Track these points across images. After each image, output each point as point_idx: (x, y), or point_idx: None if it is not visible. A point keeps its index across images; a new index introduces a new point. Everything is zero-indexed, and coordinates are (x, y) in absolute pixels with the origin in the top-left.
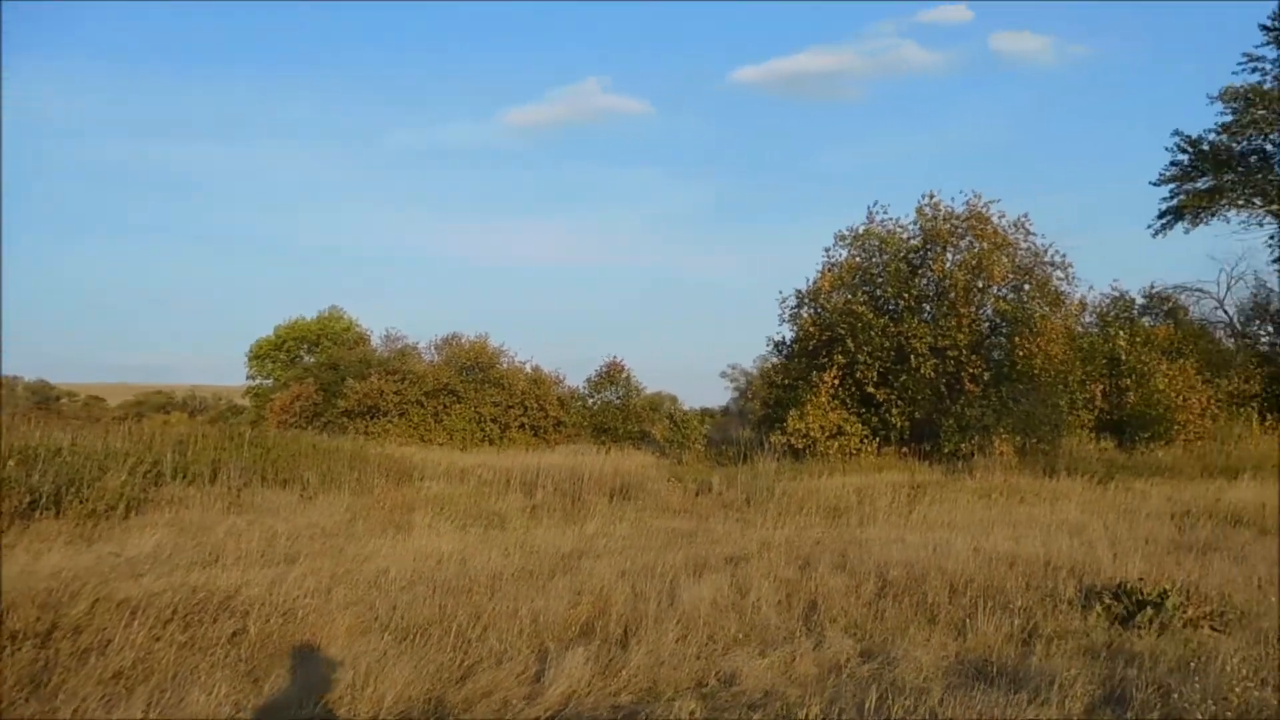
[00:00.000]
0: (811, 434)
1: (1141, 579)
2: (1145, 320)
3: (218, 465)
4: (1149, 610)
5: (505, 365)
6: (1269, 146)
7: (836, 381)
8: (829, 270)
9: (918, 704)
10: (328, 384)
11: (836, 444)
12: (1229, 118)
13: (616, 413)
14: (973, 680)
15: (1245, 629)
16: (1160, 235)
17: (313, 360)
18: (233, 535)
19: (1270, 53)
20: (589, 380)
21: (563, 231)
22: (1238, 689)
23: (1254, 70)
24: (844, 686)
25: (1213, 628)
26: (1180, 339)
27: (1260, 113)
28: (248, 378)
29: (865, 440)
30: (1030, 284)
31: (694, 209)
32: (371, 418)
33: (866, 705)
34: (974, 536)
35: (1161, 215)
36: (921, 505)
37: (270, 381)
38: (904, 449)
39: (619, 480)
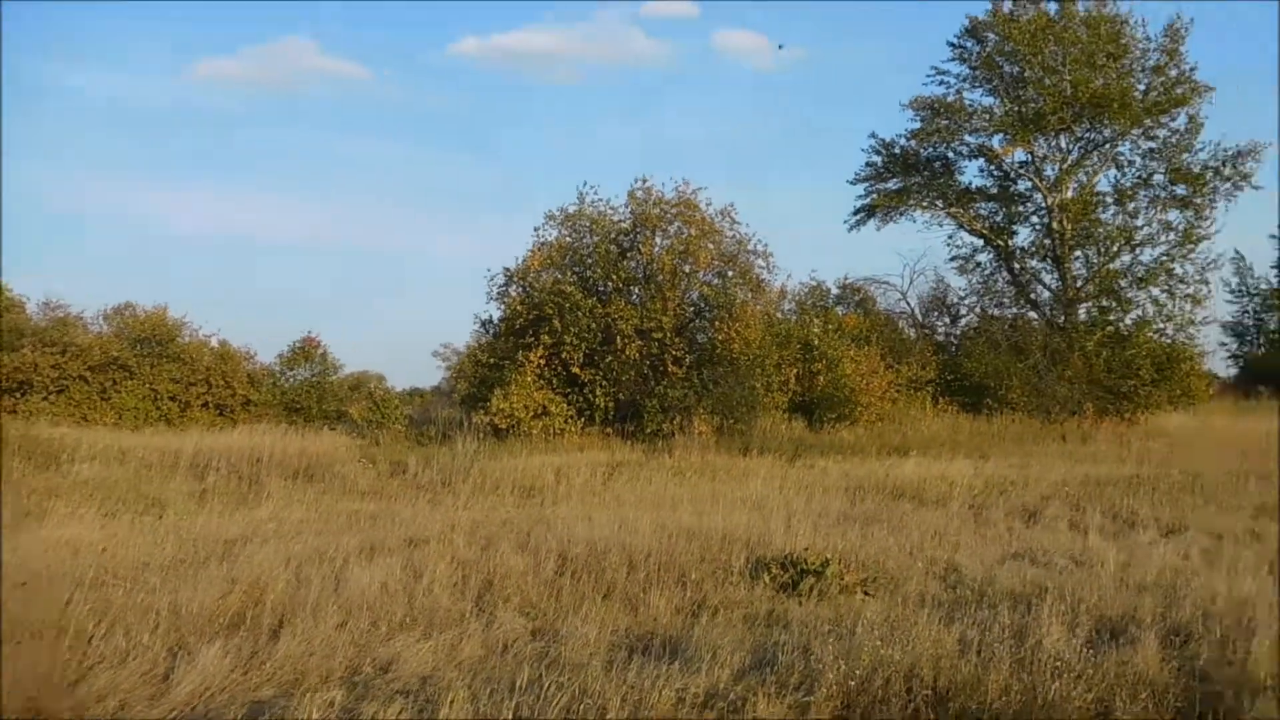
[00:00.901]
0: (516, 414)
1: (807, 549)
2: (838, 309)
3: None
4: (811, 578)
5: (187, 339)
6: (950, 154)
7: (543, 361)
8: (538, 249)
9: (572, 679)
10: None
11: (541, 424)
12: (918, 125)
13: (310, 391)
14: (635, 653)
15: (893, 593)
16: (854, 230)
17: None
18: None
19: (955, 68)
20: (281, 356)
21: (262, 198)
22: (867, 648)
23: (941, 83)
24: (505, 666)
25: (865, 592)
26: (868, 327)
27: (944, 123)
28: None
29: (570, 420)
30: (734, 271)
31: (407, 181)
32: (22, 394)
33: (518, 684)
34: (661, 513)
35: (856, 212)
36: (617, 484)
37: None
38: (608, 429)
39: (304, 461)
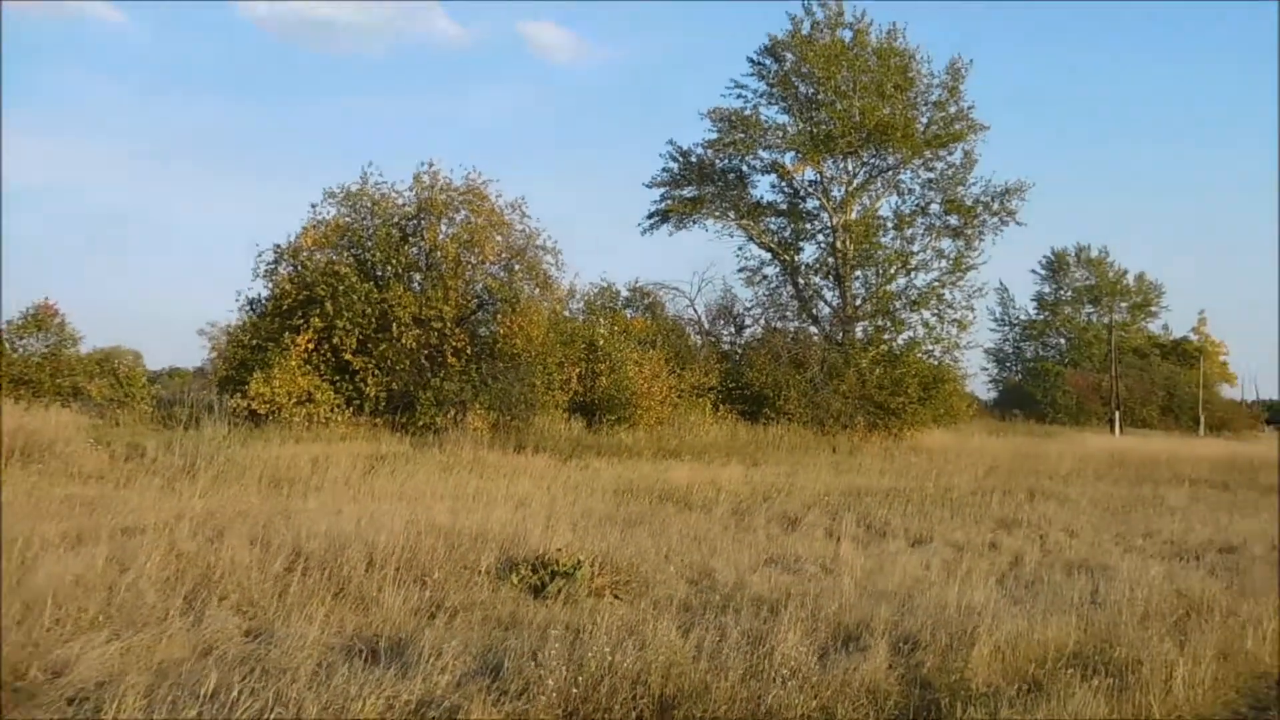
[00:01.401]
0: (277, 399)
1: (559, 551)
2: (627, 312)
3: None
4: (560, 580)
5: None
6: (745, 168)
7: (311, 346)
8: (314, 227)
9: (267, 685)
10: None
11: (304, 411)
12: (715, 135)
13: (43, 364)
14: (355, 657)
15: (642, 597)
16: (648, 234)
17: None
18: None
19: (753, 84)
20: (10, 323)
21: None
22: (594, 653)
23: (739, 96)
24: (202, 670)
25: (615, 595)
26: (654, 331)
27: (740, 136)
28: None
29: (337, 409)
30: (521, 265)
31: (177, 141)
32: None
33: (204, 690)
34: (417, 509)
35: (650, 216)
36: (377, 477)
37: None
38: (378, 420)
39: (22, 439)
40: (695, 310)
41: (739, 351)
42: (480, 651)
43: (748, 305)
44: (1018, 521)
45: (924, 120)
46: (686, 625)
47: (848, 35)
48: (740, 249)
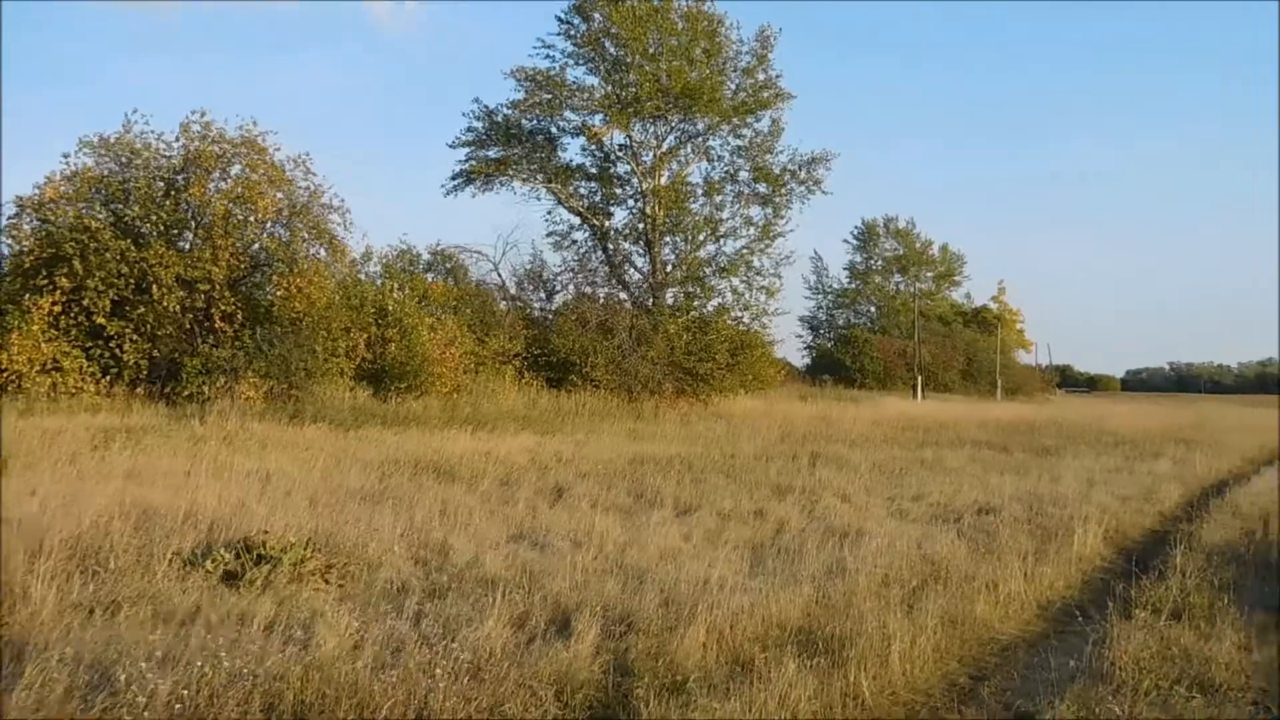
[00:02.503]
0: (16, 367)
1: (267, 532)
2: (428, 276)
3: None
4: (264, 566)
5: None
6: (554, 130)
7: (58, 309)
8: (63, 179)
9: None
10: None
11: (49, 380)
12: (521, 95)
13: None
14: None
15: (360, 581)
16: (452, 196)
17: None
18: None
19: (561, 43)
20: None
21: None
22: (255, 646)
23: (546, 56)
24: None
25: (325, 580)
26: (456, 296)
27: (546, 96)
28: None
29: (90, 378)
30: (303, 223)
31: None
32: None
33: None
34: (135, 487)
35: (454, 177)
36: (112, 452)
37: None
38: (138, 390)
39: None
40: (499, 274)
41: (549, 317)
42: (118, 657)
43: (557, 270)
44: (792, 488)
45: (732, 87)
46: (386, 613)
47: None
48: (550, 213)
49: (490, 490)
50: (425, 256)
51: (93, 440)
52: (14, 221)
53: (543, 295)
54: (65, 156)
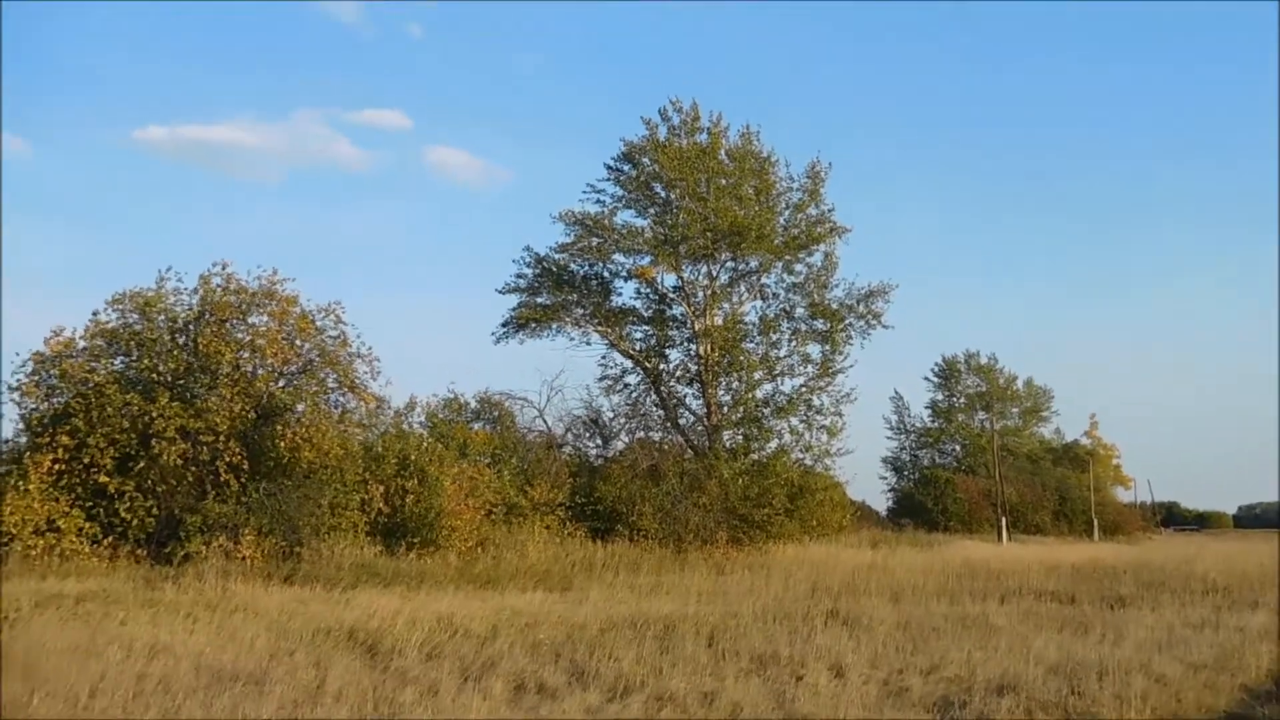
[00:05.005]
0: (8, 529)
1: None
2: (476, 425)
3: None
4: None
5: None
6: (606, 274)
7: (61, 467)
8: (57, 335)
9: None
10: None
11: (42, 542)
12: (570, 239)
13: None
14: None
15: None
16: (502, 343)
17: None
18: None
19: (610, 189)
20: None
21: None
22: None
23: (596, 201)
24: None
25: None
26: (498, 445)
27: (595, 240)
28: None
29: (88, 539)
30: (333, 372)
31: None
32: None
33: None
34: None
35: (505, 324)
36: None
37: None
38: (139, 551)
39: None
40: (545, 421)
41: (604, 465)
42: None
43: (611, 415)
44: (778, 658)
45: (783, 222)
46: None
47: (704, 139)
48: (603, 358)
49: (402, 667)
50: (473, 405)
51: (33, 606)
52: (34, 380)
53: (599, 441)
54: (94, 314)
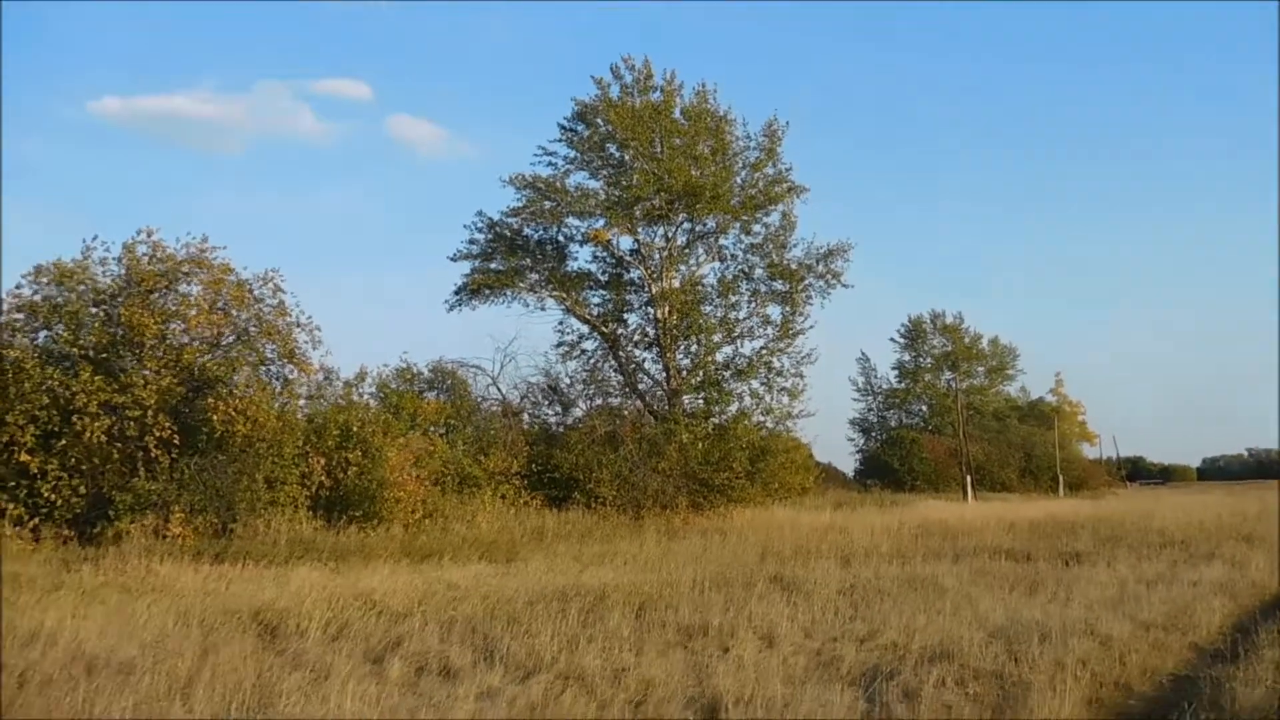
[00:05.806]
0: None
1: None
2: (430, 394)
3: None
4: None
5: None
6: (562, 238)
7: None
8: (10, 308)
9: None
10: None
11: None
12: (521, 203)
13: None
14: None
15: None
16: (455, 311)
17: None
18: None
19: (563, 150)
20: None
21: None
22: None
23: (549, 164)
24: None
25: None
26: (450, 414)
27: (548, 204)
28: None
29: (10, 521)
30: (271, 343)
31: None
32: None
33: None
34: None
35: (458, 291)
36: None
37: None
38: (66, 532)
39: None
40: (499, 389)
41: (564, 432)
42: None
43: (569, 382)
44: (707, 628)
45: (739, 181)
46: None
47: (657, 97)
48: (560, 323)
49: (300, 649)
50: (426, 374)
51: None
52: None
53: (559, 409)
54: (17, 287)
